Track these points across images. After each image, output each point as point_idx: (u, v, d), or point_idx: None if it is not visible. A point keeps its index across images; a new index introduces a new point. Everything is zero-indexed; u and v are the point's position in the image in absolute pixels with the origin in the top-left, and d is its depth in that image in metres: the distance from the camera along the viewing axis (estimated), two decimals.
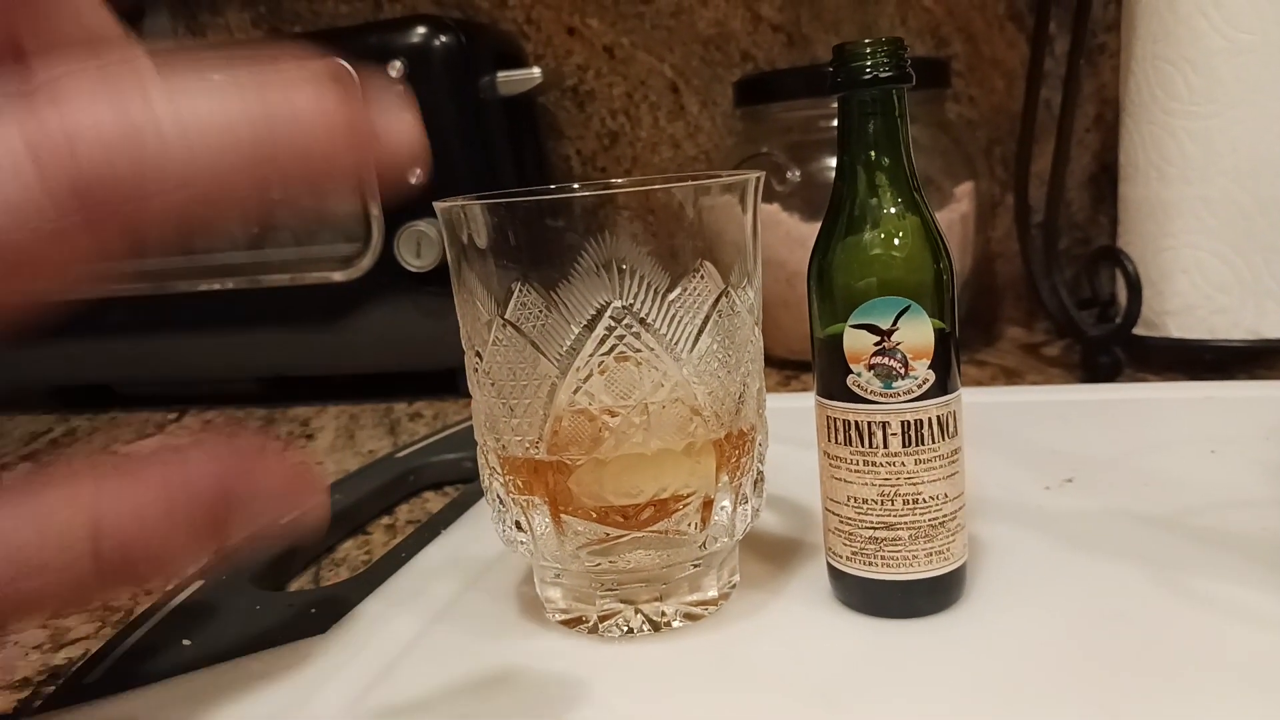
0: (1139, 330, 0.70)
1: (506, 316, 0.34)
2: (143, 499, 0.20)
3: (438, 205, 0.36)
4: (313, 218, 0.84)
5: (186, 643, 0.39)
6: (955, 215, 0.79)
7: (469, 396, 0.38)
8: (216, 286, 0.85)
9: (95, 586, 0.19)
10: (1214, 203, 0.66)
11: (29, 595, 0.18)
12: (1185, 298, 0.68)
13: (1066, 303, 0.75)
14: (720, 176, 0.36)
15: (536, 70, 0.84)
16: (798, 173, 0.77)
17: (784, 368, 0.81)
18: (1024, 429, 0.56)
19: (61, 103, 0.17)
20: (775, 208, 0.77)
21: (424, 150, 0.21)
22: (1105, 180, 0.87)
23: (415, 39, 0.78)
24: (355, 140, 0.20)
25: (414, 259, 0.79)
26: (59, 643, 0.44)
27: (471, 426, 0.38)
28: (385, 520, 0.55)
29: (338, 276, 0.82)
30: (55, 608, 0.19)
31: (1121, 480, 0.48)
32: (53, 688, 0.39)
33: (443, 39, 0.78)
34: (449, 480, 0.59)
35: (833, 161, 0.35)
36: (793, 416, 0.46)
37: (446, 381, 0.83)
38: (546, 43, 0.98)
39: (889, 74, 0.33)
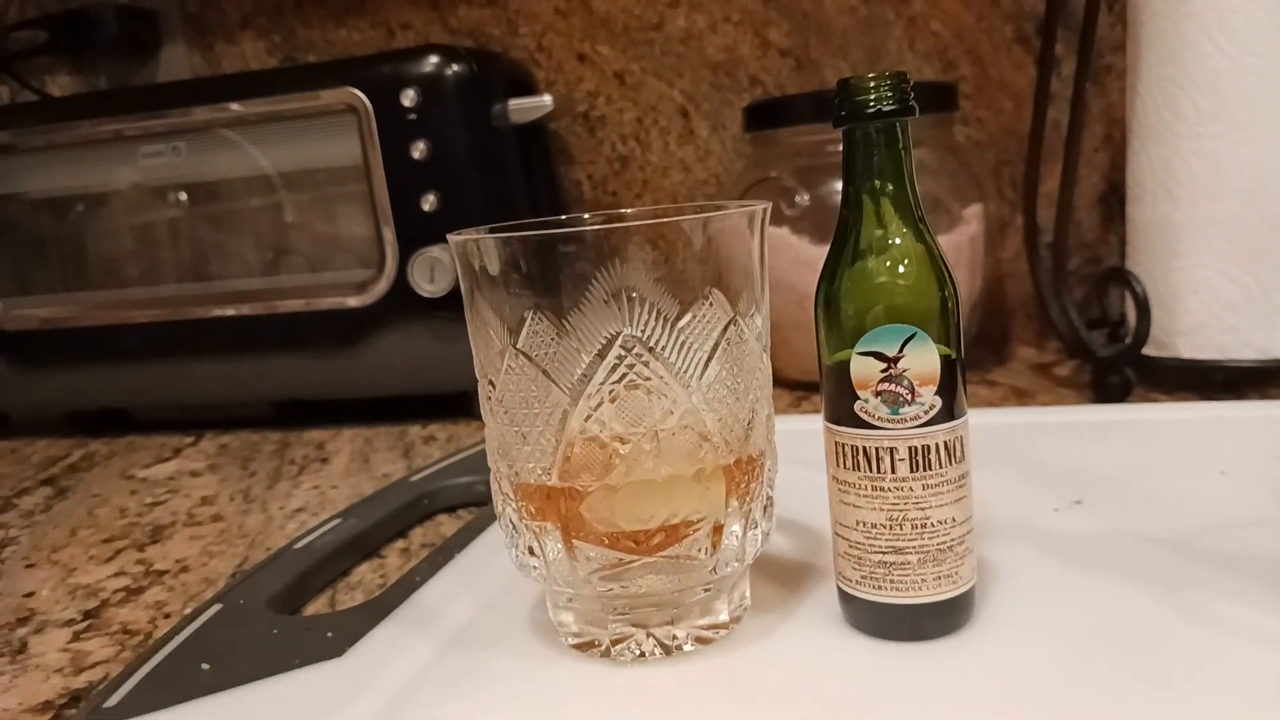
0: (1149, 350, 0.70)
1: (519, 346, 0.35)
2: None
3: (451, 238, 0.37)
4: (327, 244, 0.85)
5: (205, 666, 0.40)
6: (964, 237, 0.79)
7: (482, 419, 0.39)
8: (232, 312, 0.86)
9: None
10: (1222, 223, 0.66)
11: None
12: (1195, 317, 0.68)
13: (1076, 323, 0.76)
14: (728, 207, 0.36)
15: (548, 97, 0.85)
16: (807, 196, 0.77)
17: (795, 389, 0.82)
18: (1034, 449, 0.56)
19: None
20: (785, 231, 0.78)
21: None
22: (1114, 200, 0.88)
23: (428, 68, 0.79)
24: None
25: (427, 284, 0.79)
26: (79, 666, 0.45)
27: (484, 449, 0.39)
28: (400, 544, 0.56)
29: (352, 302, 0.83)
30: None
31: (1131, 501, 0.48)
32: (73, 711, 0.40)
33: (455, 68, 0.79)
34: (463, 503, 0.60)
35: (841, 185, 0.36)
36: (804, 438, 0.46)
37: (460, 404, 0.84)
38: (557, 70, 0.99)
39: (892, 107, 0.34)
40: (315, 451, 0.80)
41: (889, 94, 0.34)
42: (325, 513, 0.63)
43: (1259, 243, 0.66)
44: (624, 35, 0.97)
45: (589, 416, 0.34)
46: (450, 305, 0.80)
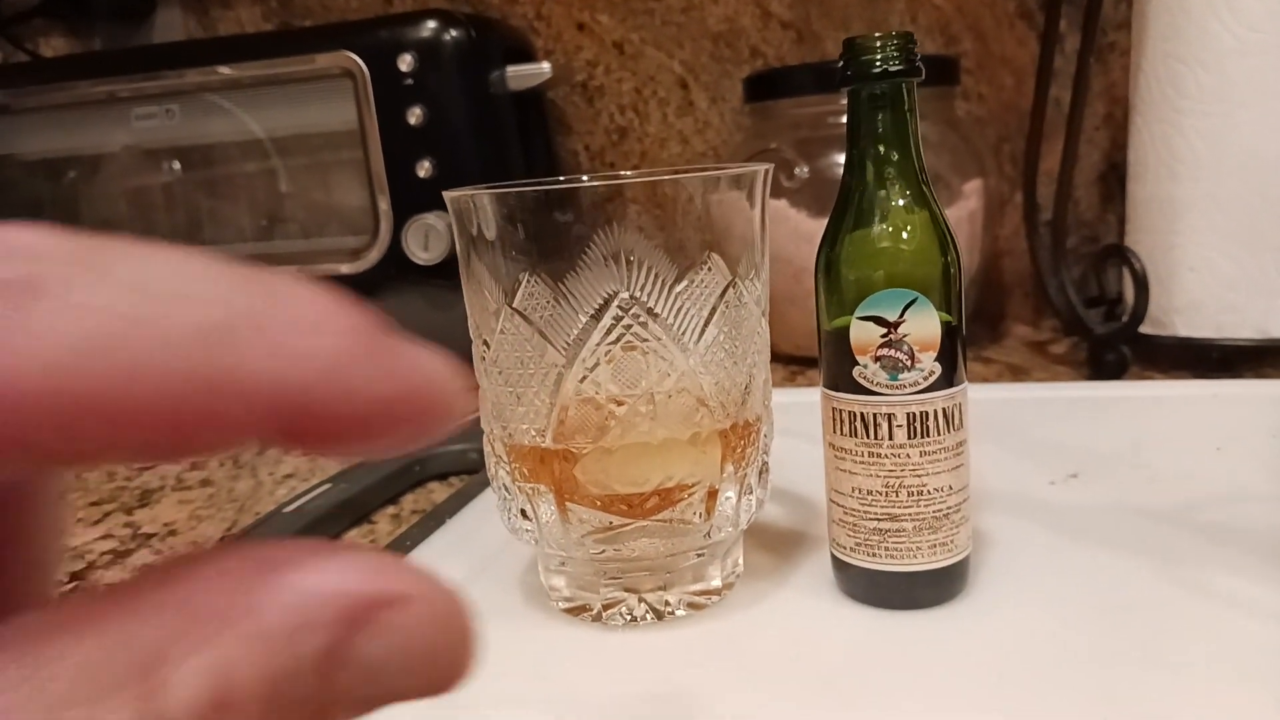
0: (1146, 328, 0.70)
1: (514, 305, 0.34)
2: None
3: (447, 195, 0.36)
4: (322, 210, 0.84)
5: None
6: (963, 212, 0.79)
7: (475, 388, 0.38)
8: None
9: None
10: (1223, 201, 0.66)
11: None
12: (1193, 296, 0.68)
13: (1074, 300, 0.75)
14: (728, 169, 0.36)
15: (546, 65, 0.84)
16: (806, 169, 0.77)
17: (790, 363, 0.81)
18: (1030, 425, 0.56)
19: None
20: (783, 203, 0.77)
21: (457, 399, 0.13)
22: (1114, 179, 0.87)
23: (426, 33, 0.78)
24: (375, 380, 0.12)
25: (422, 252, 0.79)
26: None
27: (476, 418, 0.39)
28: (390, 510, 0.56)
29: (345, 269, 0.82)
30: None
31: (1127, 476, 0.48)
32: None
33: (453, 33, 0.78)
34: (454, 471, 0.60)
35: (841, 158, 0.36)
36: (798, 411, 0.46)
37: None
38: (556, 38, 0.98)
39: (898, 68, 0.33)
40: None
41: (895, 54, 0.33)
42: (315, 478, 0.62)
43: (1259, 222, 0.65)
44: (623, 4, 0.96)
45: (584, 378, 0.34)
46: (445, 273, 0.79)
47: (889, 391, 0.34)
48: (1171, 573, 0.37)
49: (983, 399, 0.46)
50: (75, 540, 0.56)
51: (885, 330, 0.34)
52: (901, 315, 0.34)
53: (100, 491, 0.65)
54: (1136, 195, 0.72)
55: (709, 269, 0.35)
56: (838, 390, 0.35)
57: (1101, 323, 0.75)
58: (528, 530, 0.37)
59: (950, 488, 0.35)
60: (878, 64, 0.34)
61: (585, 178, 0.40)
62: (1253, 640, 0.33)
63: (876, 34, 0.34)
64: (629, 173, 0.38)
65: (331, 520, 0.52)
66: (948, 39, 0.90)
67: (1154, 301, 0.69)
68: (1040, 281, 0.80)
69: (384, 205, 0.80)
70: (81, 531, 0.57)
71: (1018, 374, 0.75)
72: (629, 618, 0.37)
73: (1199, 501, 0.44)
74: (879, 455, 0.35)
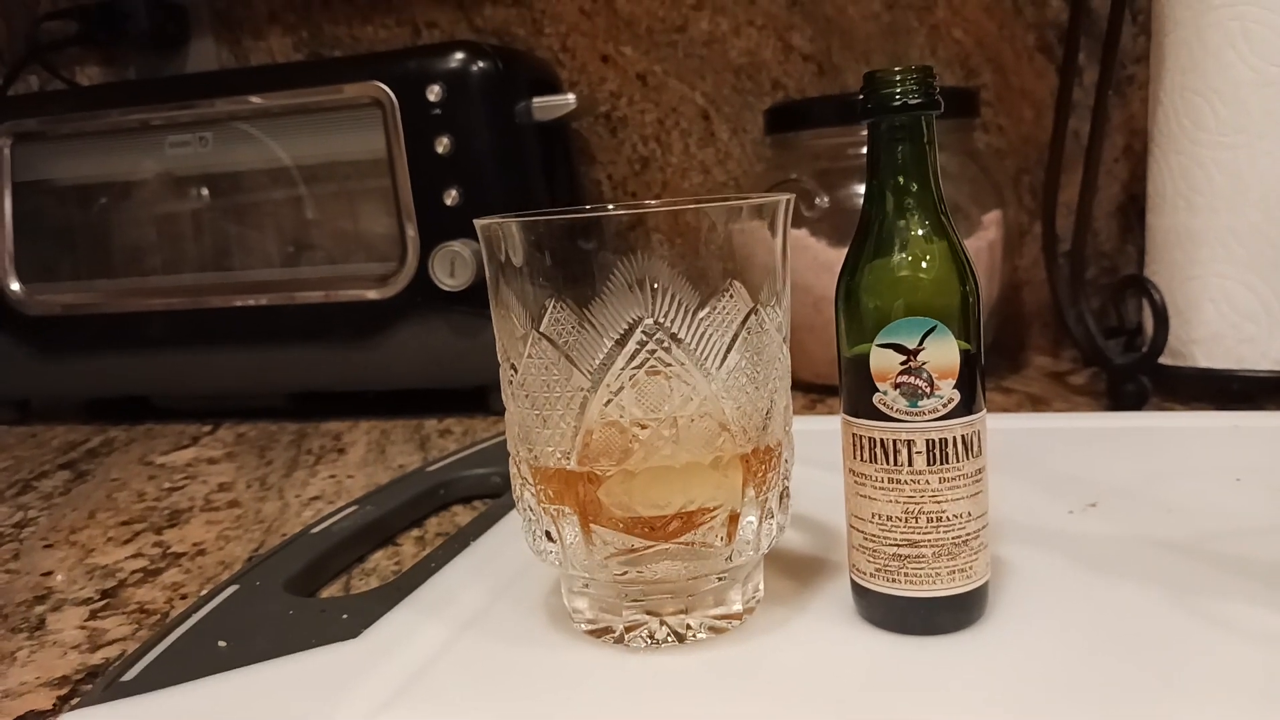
0: (1165, 359, 0.70)
1: (541, 330, 0.35)
2: None
3: (478, 223, 0.37)
4: (349, 237, 0.86)
5: (222, 644, 0.40)
6: (983, 243, 0.79)
7: (498, 414, 0.39)
8: (252, 302, 0.87)
9: None
10: (1241, 233, 0.66)
11: None
12: (1212, 327, 0.68)
13: (1093, 331, 0.76)
14: (751, 199, 0.36)
15: (571, 96, 0.85)
16: (826, 199, 0.78)
17: (809, 391, 0.82)
18: (1049, 455, 0.56)
19: None
20: (803, 233, 0.78)
21: None
22: (1133, 210, 0.88)
23: (453, 64, 0.80)
24: None
25: (448, 278, 0.80)
26: (96, 644, 0.45)
27: (500, 443, 0.39)
28: (415, 532, 0.56)
29: (372, 294, 0.84)
30: None
31: (1145, 506, 0.48)
32: (90, 685, 0.40)
33: (480, 65, 0.80)
34: (478, 495, 0.60)
35: (861, 188, 0.36)
36: (817, 439, 0.46)
37: (476, 399, 0.84)
38: (581, 70, 1.00)
39: (918, 101, 0.34)
40: (332, 442, 0.80)
41: (915, 88, 0.34)
42: (341, 500, 0.63)
43: (1278, 253, 0.66)
44: (647, 37, 0.98)
45: (609, 401, 0.35)
46: (470, 300, 0.80)
47: (908, 418, 0.35)
48: (1189, 603, 0.38)
49: (1003, 429, 0.46)
50: (106, 559, 0.57)
51: (905, 357, 0.34)
52: (921, 343, 0.34)
53: (130, 512, 0.66)
54: (1155, 226, 0.73)
55: (731, 296, 0.35)
56: (858, 416, 0.36)
57: (1121, 353, 0.75)
58: (552, 552, 0.38)
59: (969, 514, 0.35)
60: (897, 97, 0.34)
61: (611, 206, 0.40)
62: (1270, 671, 0.33)
63: (897, 68, 0.35)
64: (654, 201, 0.39)
65: (357, 541, 0.53)
66: (968, 71, 0.91)
67: (1173, 333, 0.70)
68: (1059, 312, 0.80)
69: (411, 232, 0.82)
70: (112, 550, 0.58)
71: (1038, 404, 0.75)
72: (651, 640, 0.37)
73: (1218, 532, 0.44)
74: (899, 481, 0.35)
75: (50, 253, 0.94)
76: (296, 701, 0.36)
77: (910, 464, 0.35)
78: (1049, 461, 0.55)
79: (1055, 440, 0.59)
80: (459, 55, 0.80)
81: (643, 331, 0.34)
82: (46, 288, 0.93)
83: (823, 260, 0.77)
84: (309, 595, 0.48)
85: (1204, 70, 0.66)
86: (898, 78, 0.34)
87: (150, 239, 0.92)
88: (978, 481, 0.36)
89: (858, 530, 0.37)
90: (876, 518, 0.36)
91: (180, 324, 0.89)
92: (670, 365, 0.34)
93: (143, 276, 0.92)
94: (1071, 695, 0.32)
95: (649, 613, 0.37)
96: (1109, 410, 0.72)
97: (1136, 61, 0.85)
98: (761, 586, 0.40)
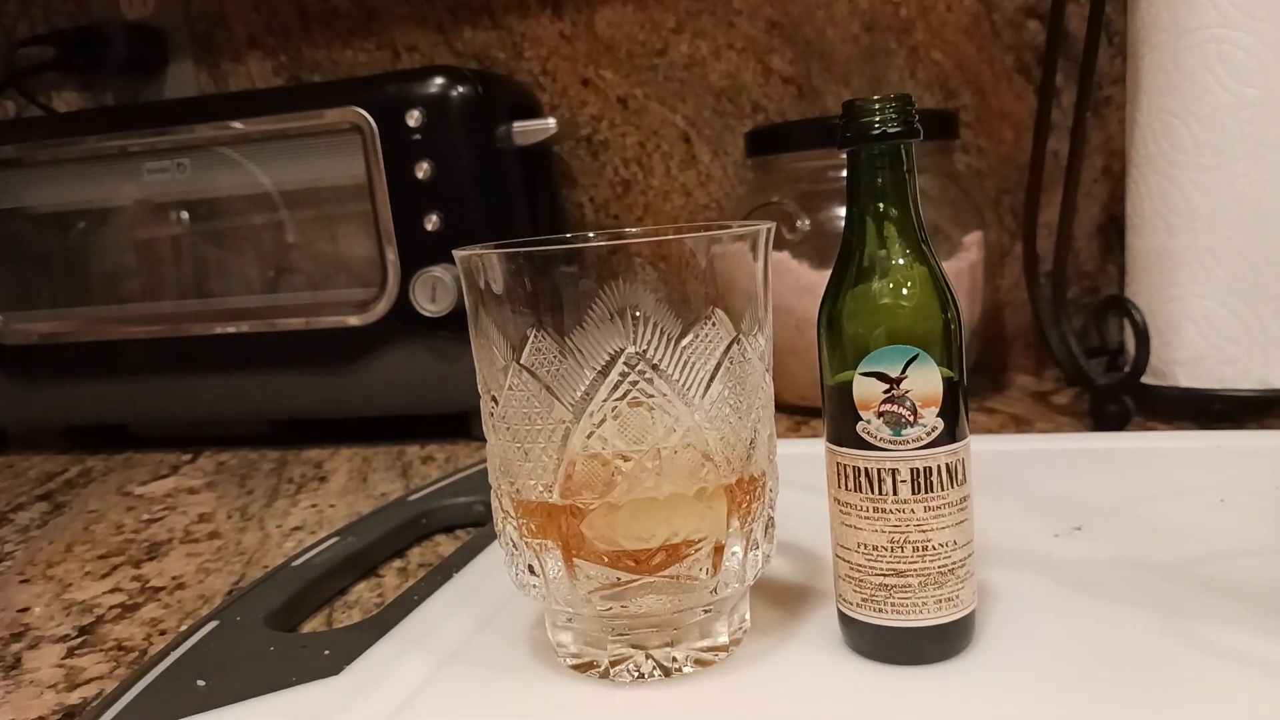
0: (1147, 379, 0.70)
1: (522, 362, 0.35)
2: None
3: (457, 254, 0.37)
4: (330, 262, 0.85)
5: (201, 683, 0.40)
6: (964, 264, 0.79)
7: (481, 439, 0.39)
8: (232, 329, 0.86)
9: None
10: (1221, 253, 0.67)
11: None
12: (1194, 347, 0.69)
13: (1075, 351, 0.76)
14: (732, 227, 0.36)
15: (551, 120, 0.85)
16: (807, 221, 0.78)
17: (794, 414, 0.82)
18: (1033, 477, 0.56)
19: None
20: (785, 255, 0.78)
21: None
22: (1113, 230, 0.88)
23: (433, 89, 0.80)
24: None
25: (429, 304, 0.80)
26: (74, 682, 0.45)
27: (483, 470, 0.39)
28: (397, 563, 0.56)
29: (353, 320, 0.83)
30: None
31: (1130, 528, 0.48)
32: None
33: (460, 89, 0.80)
34: (461, 523, 0.60)
35: (842, 211, 0.36)
36: (803, 463, 0.46)
37: (459, 425, 0.84)
38: (562, 93, 1.00)
39: (897, 129, 0.34)
40: (313, 470, 0.79)
41: (894, 116, 0.34)
42: (323, 531, 0.62)
43: (1257, 274, 0.66)
44: (628, 61, 0.98)
45: (591, 434, 0.34)
46: (451, 325, 0.80)
47: (892, 447, 0.35)
48: (1175, 626, 0.37)
49: (987, 450, 0.46)
50: (83, 594, 0.56)
51: (887, 386, 0.34)
52: (903, 371, 0.34)
53: (108, 544, 0.65)
54: (1135, 247, 0.73)
55: (713, 324, 0.35)
56: (841, 445, 0.36)
57: (1103, 373, 0.75)
58: (535, 586, 0.37)
59: (955, 543, 0.35)
60: (876, 126, 0.34)
61: (591, 235, 0.40)
62: (1257, 694, 0.33)
63: (875, 96, 0.35)
64: (634, 230, 0.39)
65: (339, 573, 0.52)
66: (947, 93, 0.91)
67: (1155, 353, 0.70)
68: (1041, 332, 0.80)
69: (391, 257, 0.81)
70: (89, 585, 0.57)
71: (1020, 424, 0.75)
72: (636, 674, 0.37)
73: (1202, 554, 0.44)
74: (884, 510, 0.35)
75: (27, 280, 0.94)
76: None
77: (895, 493, 0.35)
78: (1033, 483, 0.55)
79: (1039, 461, 0.59)
80: (439, 80, 0.80)
81: (625, 362, 0.34)
82: (24, 316, 0.92)
83: (805, 283, 0.77)
84: (290, 630, 0.47)
85: (1181, 93, 0.67)
86: (877, 106, 0.34)
87: (129, 266, 0.91)
88: (963, 509, 0.35)
89: (844, 560, 0.37)
90: (862, 547, 0.36)
91: (160, 351, 0.89)
92: (653, 396, 0.34)
93: (121, 304, 0.91)
94: None
95: (634, 646, 0.37)
96: (1092, 430, 0.72)
97: (1114, 83, 0.86)
98: (748, 617, 0.40)
